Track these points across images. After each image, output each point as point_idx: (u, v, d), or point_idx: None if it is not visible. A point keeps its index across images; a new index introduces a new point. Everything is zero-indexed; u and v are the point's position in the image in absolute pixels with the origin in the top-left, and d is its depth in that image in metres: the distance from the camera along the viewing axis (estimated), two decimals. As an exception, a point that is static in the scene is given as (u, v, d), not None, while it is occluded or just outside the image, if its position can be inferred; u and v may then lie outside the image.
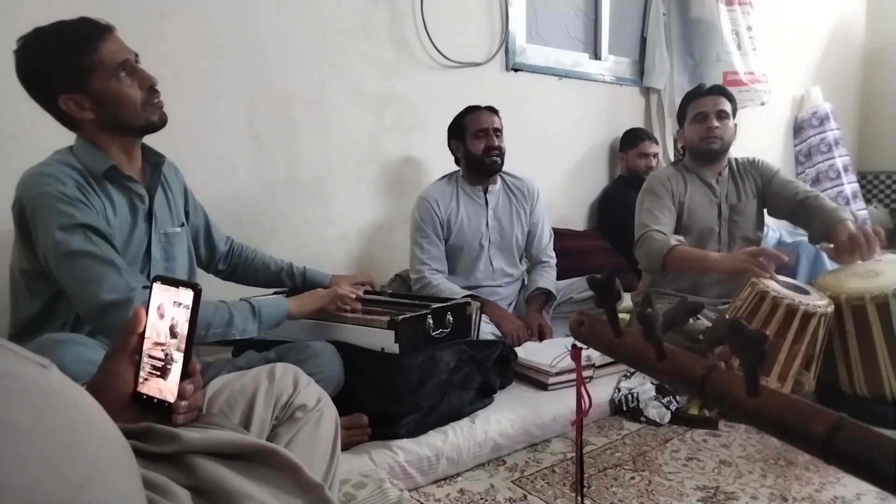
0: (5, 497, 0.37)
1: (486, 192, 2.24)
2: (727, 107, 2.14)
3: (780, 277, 1.80)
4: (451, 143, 2.26)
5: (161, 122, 1.31)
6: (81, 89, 1.21)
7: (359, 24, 2.31)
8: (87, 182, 1.24)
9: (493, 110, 2.23)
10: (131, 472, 0.53)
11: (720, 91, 2.18)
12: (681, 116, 2.23)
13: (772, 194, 2.15)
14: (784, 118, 4.21)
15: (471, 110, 2.22)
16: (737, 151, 2.22)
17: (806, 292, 1.73)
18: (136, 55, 1.27)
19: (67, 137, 1.30)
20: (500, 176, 2.29)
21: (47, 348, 1.04)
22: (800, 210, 2.06)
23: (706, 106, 2.12)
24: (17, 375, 0.44)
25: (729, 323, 0.53)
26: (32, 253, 1.22)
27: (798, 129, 4.23)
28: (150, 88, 1.28)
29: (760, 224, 2.20)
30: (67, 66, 1.19)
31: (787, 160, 4.24)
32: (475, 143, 2.17)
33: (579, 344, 0.77)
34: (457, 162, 2.29)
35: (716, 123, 2.10)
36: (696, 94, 2.19)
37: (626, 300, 2.36)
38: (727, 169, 2.19)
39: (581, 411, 0.85)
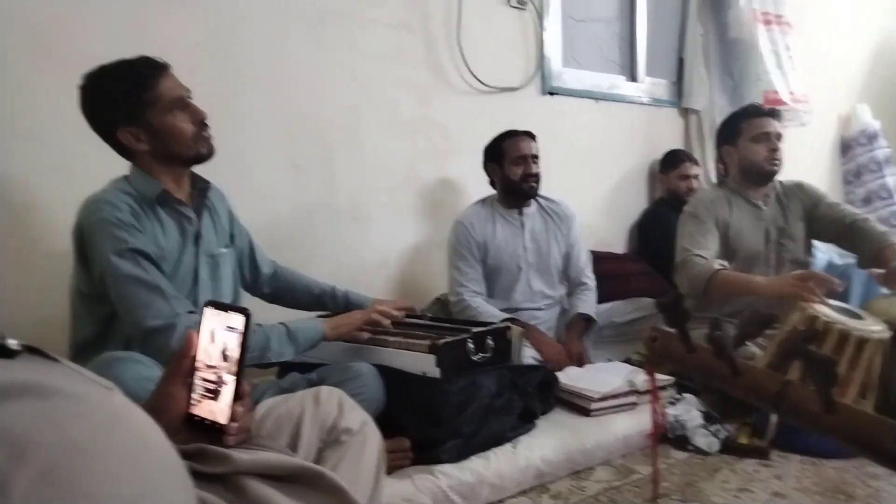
0: None
1: (521, 214, 2.24)
2: (782, 131, 2.10)
3: (832, 301, 1.73)
4: (487, 166, 2.27)
5: (209, 154, 1.38)
6: (139, 122, 1.28)
7: (393, 51, 2.35)
8: (141, 207, 1.30)
9: (531, 136, 2.23)
10: (187, 492, 0.53)
11: (774, 114, 2.13)
12: (729, 134, 2.15)
13: (818, 217, 2.09)
14: (830, 137, 4.10)
15: (510, 135, 2.23)
16: (782, 173, 2.16)
17: (859, 317, 1.66)
18: (189, 91, 1.34)
19: (122, 166, 1.36)
20: (536, 199, 2.29)
21: (107, 366, 1.07)
22: (847, 234, 2.00)
23: (770, 127, 2.07)
24: (82, 397, 0.46)
25: (787, 345, 0.52)
26: (89, 275, 1.28)
27: (846, 148, 4.11)
28: (201, 122, 1.35)
29: (809, 247, 2.14)
30: (128, 100, 1.26)
31: (835, 180, 4.12)
32: (513, 168, 2.17)
33: (652, 359, 0.77)
34: (492, 184, 2.30)
35: (779, 146, 2.06)
36: (755, 113, 2.12)
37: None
38: (773, 192, 2.13)
39: (659, 428, 0.83)
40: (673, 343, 0.69)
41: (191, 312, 1.24)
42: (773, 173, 2.08)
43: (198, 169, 1.43)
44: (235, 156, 1.98)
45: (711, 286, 1.89)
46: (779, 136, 2.07)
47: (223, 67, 1.97)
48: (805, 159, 3.68)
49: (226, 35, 1.98)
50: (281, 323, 1.40)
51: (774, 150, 2.05)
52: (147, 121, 1.29)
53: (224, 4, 1.97)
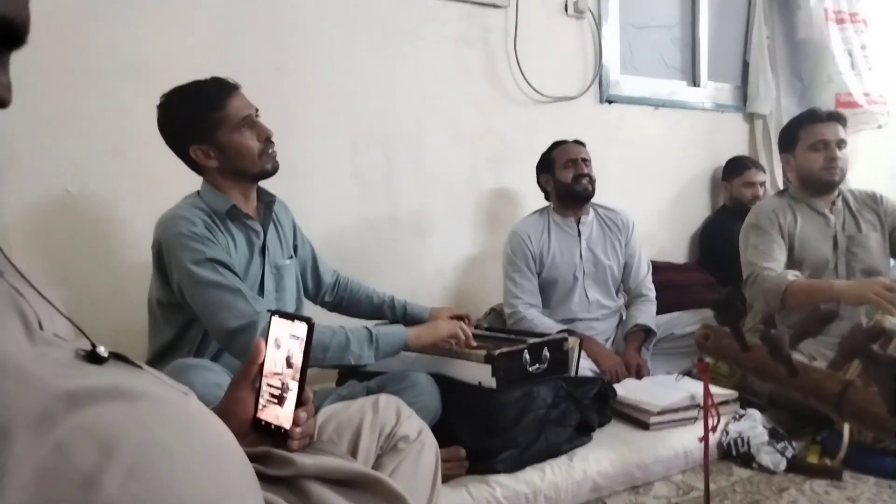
0: None
1: (578, 223, 2.23)
2: (845, 135, 2.00)
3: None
4: (540, 178, 2.28)
5: (273, 170, 1.44)
6: (209, 140, 1.36)
7: (455, 66, 2.39)
8: (213, 221, 1.37)
9: (579, 143, 2.25)
10: (256, 493, 0.57)
11: (838, 118, 2.03)
12: (788, 142, 2.09)
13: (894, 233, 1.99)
14: (910, 140, 3.87)
15: (558, 144, 2.25)
16: (856, 178, 2.07)
17: (942, 332, 1.57)
18: (257, 110, 1.41)
19: (196, 183, 1.45)
20: (594, 208, 2.27)
21: (180, 372, 1.15)
22: None
23: (827, 134, 1.98)
24: (164, 400, 0.50)
25: (848, 346, 0.51)
26: (168, 286, 1.36)
27: (927, 151, 3.88)
28: (267, 140, 1.41)
29: (886, 262, 2.03)
30: (199, 119, 1.34)
31: (915, 185, 3.89)
32: (564, 172, 2.17)
33: (706, 357, 0.76)
34: (547, 197, 2.30)
35: (838, 154, 1.97)
36: (812, 119, 2.04)
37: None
38: (840, 199, 2.04)
39: (713, 428, 0.82)
40: (726, 341, 0.68)
41: (270, 311, 1.30)
42: (833, 183, 2.00)
43: (265, 182, 1.50)
44: (301, 169, 2.06)
45: (788, 297, 1.82)
46: (840, 143, 1.98)
47: (293, 86, 2.06)
48: (883, 163, 3.49)
49: (296, 55, 2.07)
50: (365, 327, 1.44)
51: (832, 158, 1.96)
52: (216, 139, 1.36)
53: (296, 28, 2.06)
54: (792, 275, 1.86)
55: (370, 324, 1.53)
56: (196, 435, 0.49)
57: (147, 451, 0.42)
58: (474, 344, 1.60)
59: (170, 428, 0.47)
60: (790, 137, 2.08)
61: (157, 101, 1.38)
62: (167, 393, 0.50)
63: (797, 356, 1.66)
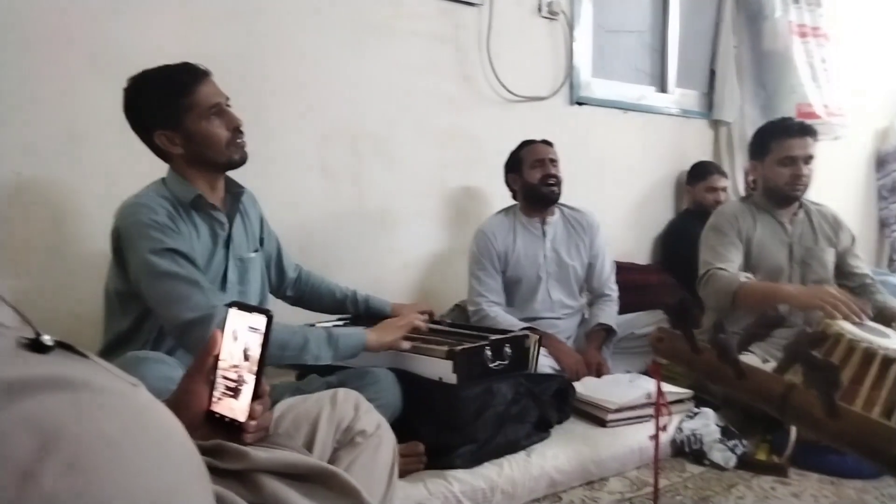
0: None
1: (543, 223, 2.25)
2: (814, 150, 2.03)
3: (865, 322, 1.70)
4: (507, 177, 2.30)
5: (241, 161, 1.42)
6: (175, 126, 1.33)
7: (427, 62, 2.39)
8: (176, 210, 1.35)
9: (547, 143, 2.27)
10: (205, 487, 0.56)
11: (809, 132, 2.03)
12: (758, 150, 2.11)
13: (838, 265, 2.08)
14: (866, 152, 4.01)
15: (526, 144, 2.27)
16: (814, 187, 2.12)
17: (886, 335, 1.64)
18: (228, 98, 1.39)
19: (160, 171, 1.42)
20: (560, 208, 2.30)
21: (133, 365, 1.12)
22: (854, 289, 2.00)
23: (797, 149, 2.00)
24: (110, 391, 0.49)
25: (790, 350, 0.53)
26: (125, 275, 1.33)
27: (881, 162, 4.02)
28: (236, 129, 1.39)
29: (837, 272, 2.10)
30: (166, 104, 1.31)
31: (870, 195, 4.03)
32: (532, 172, 2.19)
33: (659, 359, 0.78)
34: (514, 196, 2.32)
35: (804, 171, 2.00)
36: (784, 132, 2.04)
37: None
38: (802, 211, 2.10)
39: (659, 427, 0.84)
40: (679, 344, 0.71)
41: (227, 305, 1.28)
42: (795, 198, 2.05)
43: (232, 172, 1.47)
44: (269, 161, 2.04)
45: (738, 298, 1.88)
46: (808, 159, 2.01)
47: (262, 76, 2.04)
48: (839, 174, 3.62)
49: (266, 46, 2.04)
50: (324, 327, 1.44)
51: (798, 176, 2.00)
52: (183, 125, 1.33)
53: (266, 18, 2.04)
54: (744, 276, 1.92)
55: (331, 322, 1.53)
56: (143, 427, 0.49)
57: (89, 443, 0.41)
58: (414, 335, 1.59)
59: (115, 420, 0.46)
60: (761, 145, 2.09)
61: (116, 87, 1.35)
62: (114, 384, 0.50)
63: (752, 358, 1.71)
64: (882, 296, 2.01)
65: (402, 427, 1.42)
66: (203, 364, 0.77)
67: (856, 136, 3.75)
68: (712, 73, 3.34)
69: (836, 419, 0.53)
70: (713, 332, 0.63)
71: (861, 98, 3.77)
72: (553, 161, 2.21)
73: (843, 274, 2.08)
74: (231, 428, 0.76)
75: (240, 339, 0.78)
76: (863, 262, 2.13)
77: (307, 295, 1.76)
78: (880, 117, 4.03)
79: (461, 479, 1.41)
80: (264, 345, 0.76)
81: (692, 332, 0.68)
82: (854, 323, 1.66)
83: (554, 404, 1.70)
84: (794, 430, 1.66)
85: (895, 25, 4.06)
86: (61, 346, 0.47)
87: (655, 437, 0.86)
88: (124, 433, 0.46)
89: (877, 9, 3.96)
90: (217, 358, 0.77)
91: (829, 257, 2.07)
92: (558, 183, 2.20)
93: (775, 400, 0.59)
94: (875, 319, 1.77)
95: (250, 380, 0.76)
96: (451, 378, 1.50)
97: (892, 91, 4.11)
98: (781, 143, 2.02)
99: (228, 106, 1.40)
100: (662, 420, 0.85)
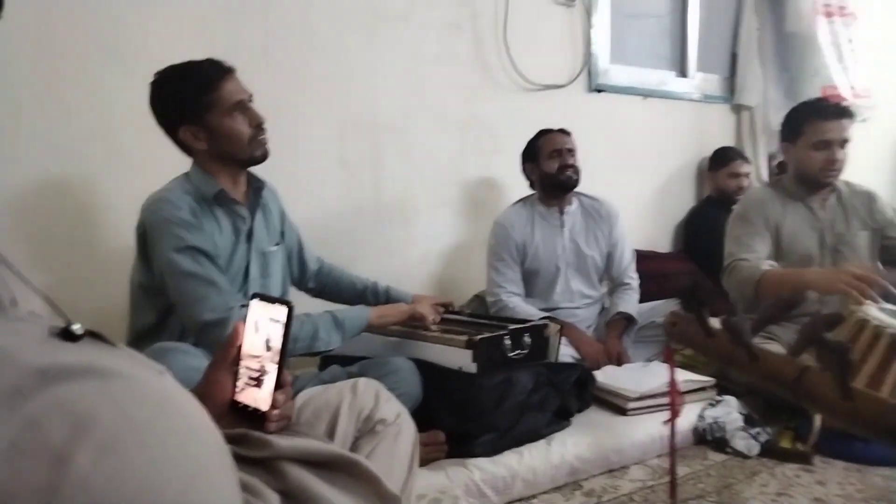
0: (121, 487, 0.42)
1: (562, 213, 2.24)
2: (850, 133, 1.94)
3: (886, 305, 1.67)
4: (525, 167, 2.29)
5: (263, 157, 1.44)
6: (199, 122, 1.36)
7: (443, 52, 2.39)
8: (199, 205, 1.38)
9: (565, 132, 2.25)
10: (230, 474, 0.58)
11: (846, 114, 1.94)
12: (790, 132, 2.01)
13: (885, 246, 1.99)
14: (893, 134, 3.92)
15: (543, 133, 2.26)
16: (843, 171, 2.04)
17: (914, 322, 1.61)
18: (251, 95, 1.41)
19: (184, 168, 1.45)
20: (578, 198, 2.29)
21: (159, 355, 1.15)
22: None
23: (832, 132, 1.91)
24: (138, 378, 0.50)
25: (804, 333, 0.53)
26: (150, 270, 1.37)
27: (911, 145, 3.93)
28: (258, 126, 1.41)
29: (874, 258, 2.01)
30: (191, 100, 1.34)
31: (897, 179, 3.94)
32: (549, 162, 2.19)
33: (673, 344, 0.79)
34: (531, 186, 2.31)
35: (839, 156, 1.92)
36: (819, 114, 1.94)
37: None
38: (834, 195, 2.02)
39: (675, 413, 0.85)
40: (692, 328, 0.71)
41: (244, 306, 1.31)
42: (828, 185, 1.98)
43: (253, 167, 1.49)
44: (289, 155, 2.06)
45: (762, 287, 1.81)
46: (843, 143, 1.92)
47: (281, 70, 2.05)
48: (866, 157, 3.52)
49: (283, 39, 2.06)
50: (327, 311, 1.46)
51: (833, 160, 1.91)
52: (207, 121, 1.36)
53: (284, 11, 2.05)
54: (767, 265, 1.87)
55: (335, 307, 1.55)
56: (170, 414, 0.50)
57: (120, 428, 0.43)
58: (433, 326, 1.63)
59: (143, 406, 0.48)
60: (794, 128, 2.00)
61: (141, 84, 1.38)
62: (141, 372, 0.51)
63: (776, 346, 1.69)
64: None
65: (423, 416, 1.44)
66: (227, 355, 0.79)
67: (885, 120, 3.66)
68: (734, 57, 3.28)
69: (849, 401, 0.53)
70: (726, 316, 0.63)
71: (891, 79, 3.67)
72: (570, 151, 2.20)
73: (891, 248, 1.98)
74: (255, 417, 0.78)
75: (261, 330, 0.79)
76: None
77: (329, 287, 1.79)
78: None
79: (482, 468, 1.42)
80: (286, 335, 0.77)
81: (704, 316, 0.68)
82: (881, 306, 1.63)
83: (574, 393, 1.71)
84: (818, 418, 1.64)
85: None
86: (91, 335, 0.49)
87: (671, 423, 0.86)
88: (153, 419, 0.48)
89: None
90: (240, 349, 0.79)
91: (863, 241, 1.99)
92: (576, 172, 2.19)
93: (789, 383, 0.59)
94: None
95: (272, 370, 0.78)
96: (471, 367, 1.51)
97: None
98: (816, 125, 1.93)
99: (251, 103, 1.42)
100: (677, 407, 0.86)
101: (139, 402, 0.47)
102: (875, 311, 1.60)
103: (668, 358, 0.84)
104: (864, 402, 0.53)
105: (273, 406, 0.78)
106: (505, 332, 1.62)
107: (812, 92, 3.08)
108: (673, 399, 0.85)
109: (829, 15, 3.26)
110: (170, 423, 0.50)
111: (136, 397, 0.48)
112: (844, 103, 3.04)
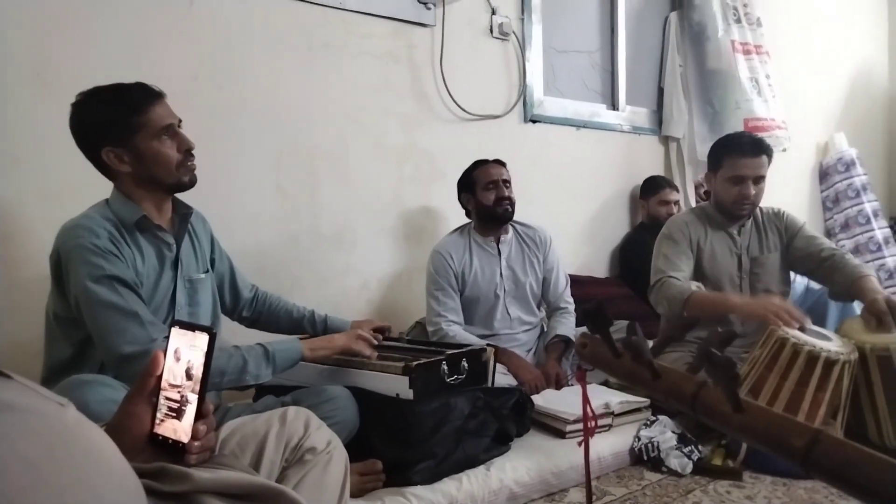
0: None
1: (498, 242, 2.28)
2: (766, 169, 2.05)
3: (810, 326, 1.76)
4: (461, 197, 2.32)
5: (190, 183, 1.41)
6: (125, 144, 1.31)
7: (380, 81, 2.41)
8: (120, 232, 1.32)
9: (500, 163, 2.29)
10: (139, 507, 0.55)
11: (762, 150, 2.04)
12: (712, 162, 2.13)
13: (795, 250, 2.10)
14: (809, 165, 4.19)
15: (479, 164, 2.29)
16: (764, 197, 2.16)
17: (828, 339, 1.70)
18: (180, 121, 1.38)
19: (100, 194, 1.39)
20: (512, 226, 2.33)
21: (75, 388, 1.09)
22: (821, 268, 2.02)
23: (747, 169, 2.01)
24: (34, 411, 0.48)
25: (699, 350, 0.56)
26: (65, 299, 1.30)
27: (824, 175, 4.20)
28: (187, 152, 1.38)
29: (786, 278, 2.15)
30: (118, 121, 1.30)
31: (814, 206, 4.20)
32: (486, 194, 2.22)
33: (585, 365, 0.80)
34: (468, 215, 2.34)
35: (752, 191, 2.02)
36: (736, 150, 2.04)
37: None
38: (751, 220, 2.15)
39: (588, 430, 0.87)
40: (602, 349, 0.73)
41: (167, 338, 1.26)
42: (740, 217, 2.09)
43: (186, 193, 1.45)
44: (225, 183, 2.02)
45: (689, 307, 1.91)
46: (758, 179, 2.03)
47: (216, 97, 2.03)
48: (786, 185, 3.76)
49: (219, 66, 2.04)
50: (258, 344, 1.41)
51: (745, 196, 2.02)
52: (134, 144, 1.31)
53: (218, 38, 2.03)
54: (695, 286, 1.97)
55: (267, 338, 1.51)
56: (68, 448, 0.48)
57: (9, 466, 0.41)
58: (374, 355, 1.60)
59: (36, 441, 0.46)
60: (715, 160, 2.12)
61: (60, 107, 1.32)
62: (39, 404, 0.49)
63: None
64: (852, 263, 1.97)
65: (360, 445, 1.41)
66: (145, 385, 0.75)
67: (800, 150, 3.92)
68: (661, 91, 3.45)
69: (741, 413, 0.55)
70: (627, 334, 0.65)
71: (803, 112, 3.95)
72: (506, 182, 2.24)
73: (810, 257, 2.05)
74: (175, 449, 0.75)
75: (182, 358, 0.76)
76: (824, 239, 2.12)
77: (264, 315, 1.74)
78: (821, 132, 4.23)
79: (420, 496, 1.40)
80: (207, 363, 0.75)
81: (610, 336, 0.71)
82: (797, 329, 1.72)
83: (513, 417, 1.71)
84: (746, 434, 1.70)
85: (831, 43, 4.28)
86: (-17, 367, 0.47)
87: (585, 444, 0.88)
88: (47, 454, 0.46)
89: (812, 29, 4.17)
90: (159, 379, 0.76)
91: (774, 262, 2.12)
92: (512, 203, 2.23)
93: (687, 399, 0.62)
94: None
95: (193, 399, 0.75)
96: (408, 394, 1.49)
97: (830, 107, 4.31)
98: (733, 160, 2.04)
99: (180, 128, 1.39)
100: (591, 428, 0.88)
101: (31, 437, 0.45)
102: (793, 331, 1.70)
103: (581, 379, 0.86)
104: (754, 414, 0.56)
105: (194, 437, 0.75)
106: (442, 357, 1.62)
107: (735, 124, 3.27)
108: (586, 420, 0.87)
109: (747, 53, 3.49)
110: (66, 458, 0.48)
111: (28, 432, 0.46)
112: (766, 135, 3.26)
